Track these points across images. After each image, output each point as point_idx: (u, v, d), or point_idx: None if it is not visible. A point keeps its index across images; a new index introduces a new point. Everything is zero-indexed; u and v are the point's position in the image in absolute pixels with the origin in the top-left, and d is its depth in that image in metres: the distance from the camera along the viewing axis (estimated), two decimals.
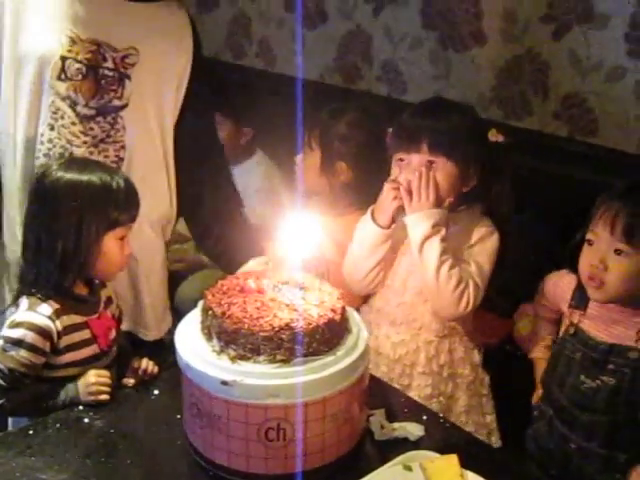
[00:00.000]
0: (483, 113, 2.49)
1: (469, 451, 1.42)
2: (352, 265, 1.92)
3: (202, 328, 1.39)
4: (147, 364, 1.68)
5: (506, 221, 1.92)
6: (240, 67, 3.65)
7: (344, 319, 1.42)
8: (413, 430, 1.49)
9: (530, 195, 2.27)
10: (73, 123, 1.79)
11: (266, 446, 1.32)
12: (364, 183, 2.08)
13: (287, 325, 1.31)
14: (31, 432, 1.48)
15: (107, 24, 1.78)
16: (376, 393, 1.56)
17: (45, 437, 1.47)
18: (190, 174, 1.96)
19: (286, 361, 1.31)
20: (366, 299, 1.98)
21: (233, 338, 1.32)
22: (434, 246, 1.77)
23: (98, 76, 1.78)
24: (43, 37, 1.75)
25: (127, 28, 1.80)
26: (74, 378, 1.60)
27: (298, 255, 1.46)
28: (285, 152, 2.28)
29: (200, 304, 1.44)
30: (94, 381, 1.57)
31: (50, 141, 1.79)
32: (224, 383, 1.30)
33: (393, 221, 1.85)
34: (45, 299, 1.59)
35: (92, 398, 1.56)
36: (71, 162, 1.67)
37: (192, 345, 1.38)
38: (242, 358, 1.31)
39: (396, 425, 1.50)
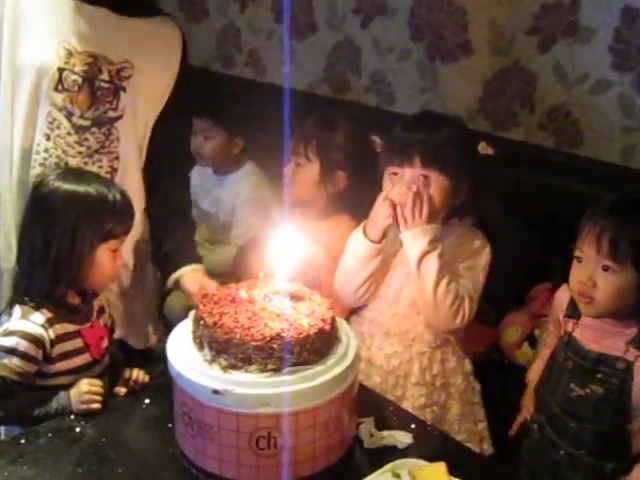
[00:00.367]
0: (470, 124, 2.51)
1: (457, 459, 1.44)
2: (344, 279, 1.94)
3: (194, 338, 1.41)
4: (138, 374, 1.69)
5: (495, 233, 1.94)
6: (229, 77, 3.67)
7: (334, 329, 1.43)
8: (402, 438, 1.50)
9: (516, 205, 2.29)
10: (69, 133, 1.81)
11: (257, 454, 1.33)
12: (357, 191, 2.10)
13: (278, 335, 1.33)
14: (23, 441, 1.49)
15: (103, 38, 1.81)
16: (365, 402, 1.57)
17: (37, 446, 1.48)
18: (151, 180, 1.97)
19: (277, 370, 1.32)
20: (357, 310, 1.99)
21: (224, 348, 1.33)
22: (432, 262, 1.78)
23: (94, 88, 1.80)
24: (41, 49, 1.78)
25: (122, 42, 1.83)
26: (66, 387, 1.60)
27: (288, 265, 1.47)
28: (274, 162, 2.29)
29: (191, 314, 1.46)
30: (86, 390, 1.58)
31: (46, 151, 1.81)
32: (215, 392, 1.31)
33: (384, 236, 1.87)
34: (38, 307, 1.60)
35: (84, 407, 1.56)
36: (68, 172, 1.68)
37: (184, 354, 1.39)
38: (233, 367, 1.33)
39: (385, 433, 1.51)
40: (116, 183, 1.73)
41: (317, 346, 1.36)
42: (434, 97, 2.90)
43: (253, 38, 3.56)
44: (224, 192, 2.82)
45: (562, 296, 1.74)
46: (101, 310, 1.74)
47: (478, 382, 1.98)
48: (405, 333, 1.89)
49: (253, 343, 1.32)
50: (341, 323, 1.49)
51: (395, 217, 1.83)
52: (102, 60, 1.80)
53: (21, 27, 1.77)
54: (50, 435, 1.51)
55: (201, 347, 1.37)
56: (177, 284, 1.97)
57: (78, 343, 1.64)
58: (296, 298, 1.46)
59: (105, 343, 1.71)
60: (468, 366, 1.95)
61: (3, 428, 1.75)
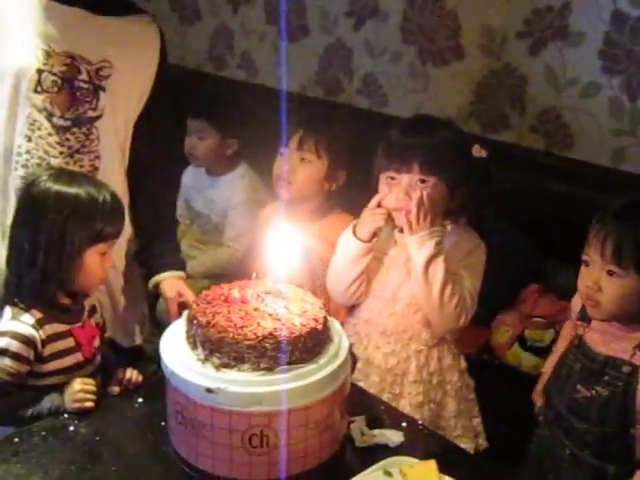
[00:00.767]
0: (462, 127, 2.53)
1: (447, 457, 1.45)
2: (335, 277, 1.96)
3: (187, 337, 1.41)
4: (131, 374, 1.69)
5: (487, 234, 1.95)
6: (223, 79, 3.68)
7: (326, 328, 1.44)
8: (393, 437, 1.51)
9: (507, 207, 2.32)
10: (50, 134, 1.82)
11: (250, 452, 1.34)
12: (353, 189, 2.12)
13: (271, 334, 1.34)
14: (17, 440, 1.49)
15: (80, 38, 1.81)
16: (357, 401, 1.58)
17: (30, 444, 1.48)
18: (134, 181, 1.98)
19: (270, 369, 1.33)
20: (353, 310, 2.01)
21: (218, 347, 1.34)
22: (439, 266, 1.79)
23: (73, 88, 1.81)
24: (19, 51, 1.78)
25: (100, 42, 1.83)
26: (59, 386, 1.61)
27: (282, 264, 1.48)
28: (268, 164, 2.29)
29: (185, 313, 1.46)
30: (79, 389, 1.58)
31: (28, 152, 1.81)
32: (209, 391, 1.32)
33: (375, 235, 1.88)
34: (28, 308, 1.60)
35: (77, 406, 1.57)
36: (60, 174, 1.68)
37: (177, 353, 1.40)
38: (226, 366, 1.33)
39: (376, 432, 1.53)
40: (107, 185, 1.73)
41: (309, 345, 1.37)
42: (426, 99, 2.92)
43: (246, 40, 3.57)
44: (217, 193, 2.82)
45: (578, 299, 1.75)
46: (93, 310, 1.74)
47: (472, 379, 2.00)
48: (402, 332, 1.90)
49: (246, 342, 1.32)
50: (333, 323, 1.51)
51: (387, 220, 1.85)
52: (80, 60, 1.81)
53: None
54: (44, 434, 1.51)
55: (194, 346, 1.38)
56: (157, 288, 2.01)
57: (69, 343, 1.64)
58: (288, 298, 1.47)
59: (97, 342, 1.72)
60: (463, 364, 1.97)
61: None
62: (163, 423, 1.50)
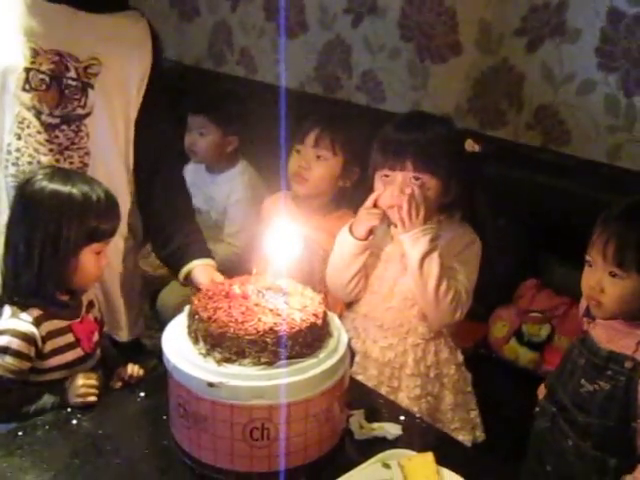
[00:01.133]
0: (459, 123, 2.55)
1: (444, 449, 1.47)
2: (333, 274, 1.98)
3: (189, 332, 1.43)
4: (133, 369, 1.70)
5: (483, 230, 1.97)
6: (222, 75, 3.69)
7: (325, 323, 1.46)
8: (391, 430, 1.53)
9: (504, 203, 2.34)
10: (39, 132, 1.82)
11: (251, 445, 1.36)
12: (364, 188, 2.14)
13: (271, 329, 1.35)
14: (20, 433, 1.51)
15: (68, 35, 1.81)
16: (356, 395, 1.60)
17: (34, 438, 1.50)
18: (144, 180, 1.98)
19: (270, 363, 1.35)
20: (351, 305, 2.03)
21: (219, 341, 1.36)
22: (434, 262, 1.81)
23: (62, 86, 1.82)
24: (6, 50, 1.79)
25: (88, 39, 1.83)
26: (60, 381, 1.62)
27: (284, 260, 1.50)
28: (267, 160, 2.30)
29: (187, 308, 1.48)
30: (82, 383, 1.59)
31: (18, 150, 1.83)
32: (210, 385, 1.33)
33: (371, 233, 1.90)
34: (27, 306, 1.62)
35: (80, 400, 1.58)
36: (56, 173, 1.69)
37: (179, 348, 1.41)
38: (228, 361, 1.35)
39: (375, 425, 1.54)
40: (102, 183, 1.73)
41: (309, 340, 1.39)
42: (424, 96, 2.93)
43: (245, 36, 3.58)
44: (216, 190, 2.82)
45: None
46: (90, 304, 1.75)
47: (469, 372, 2.02)
48: (399, 326, 1.92)
49: (247, 337, 1.34)
50: (332, 318, 1.52)
51: (383, 218, 1.87)
52: (69, 58, 1.81)
53: None
54: (47, 428, 1.53)
55: (196, 341, 1.40)
56: (187, 278, 1.97)
57: (69, 338, 1.66)
58: (288, 294, 1.48)
59: (96, 337, 1.73)
60: (460, 357, 1.99)
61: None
62: (165, 417, 1.51)
